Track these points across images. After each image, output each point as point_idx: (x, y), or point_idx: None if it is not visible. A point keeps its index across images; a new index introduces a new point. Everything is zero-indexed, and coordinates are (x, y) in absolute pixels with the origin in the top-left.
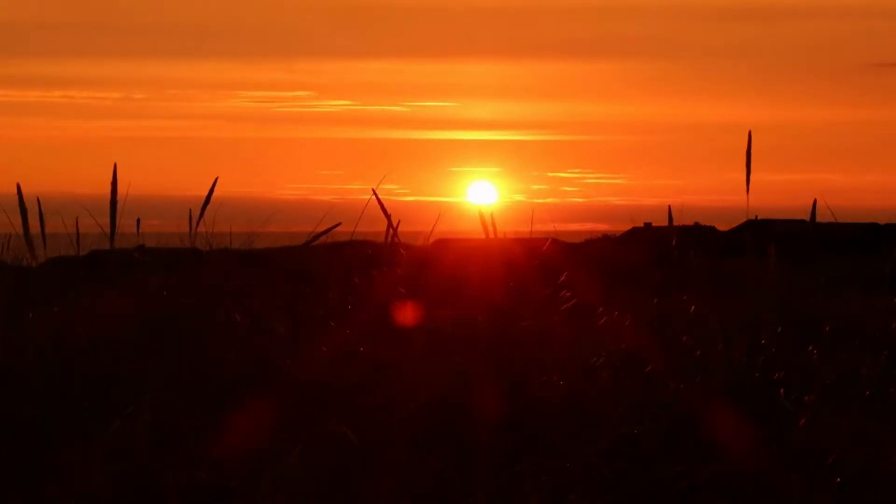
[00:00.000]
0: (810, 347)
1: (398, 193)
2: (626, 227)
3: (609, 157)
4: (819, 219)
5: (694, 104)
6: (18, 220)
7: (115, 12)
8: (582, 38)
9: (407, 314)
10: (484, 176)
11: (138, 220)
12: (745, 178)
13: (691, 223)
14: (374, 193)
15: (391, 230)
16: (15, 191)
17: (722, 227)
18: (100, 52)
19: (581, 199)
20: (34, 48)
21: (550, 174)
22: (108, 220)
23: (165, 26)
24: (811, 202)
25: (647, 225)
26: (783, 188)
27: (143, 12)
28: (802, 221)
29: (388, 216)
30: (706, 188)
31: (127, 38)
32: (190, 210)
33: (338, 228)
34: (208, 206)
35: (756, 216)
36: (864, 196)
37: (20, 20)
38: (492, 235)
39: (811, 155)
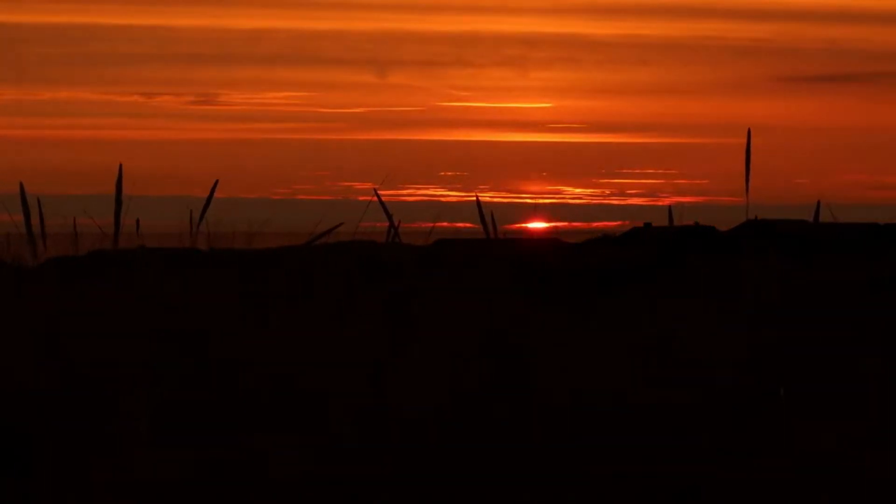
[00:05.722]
0: (811, 348)
1: (400, 193)
2: (627, 226)
3: (610, 158)
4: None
5: (695, 104)
6: (19, 219)
7: (116, 14)
8: (583, 39)
9: (407, 316)
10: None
11: (138, 221)
12: (744, 177)
13: (691, 223)
14: (376, 193)
15: (392, 230)
16: (16, 189)
17: (722, 227)
18: (105, 54)
19: (582, 200)
20: (37, 49)
21: (551, 175)
22: (107, 220)
23: (165, 28)
24: (810, 202)
25: (647, 225)
26: (783, 188)
27: (144, 14)
28: (802, 221)
29: (389, 216)
30: (706, 188)
31: (129, 40)
32: (191, 210)
33: (339, 228)
34: (209, 206)
35: (756, 216)
36: (863, 195)
37: (21, 21)
38: (492, 236)
39: (811, 155)
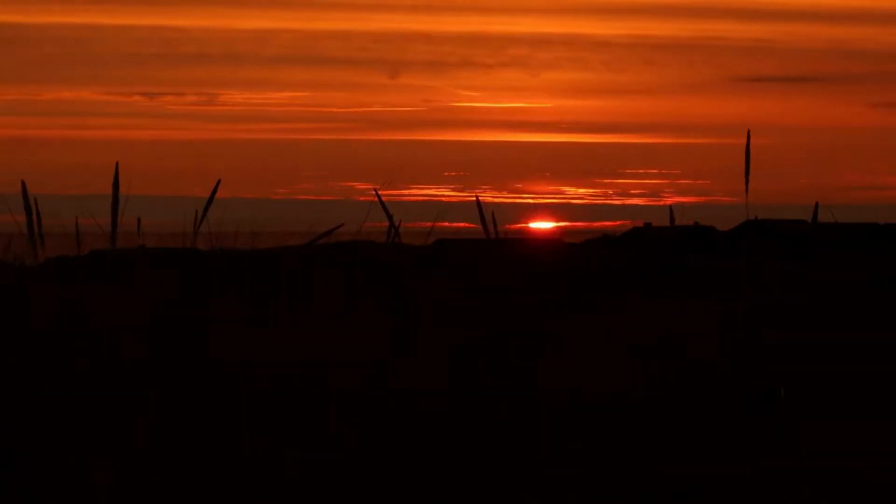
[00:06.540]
0: (810, 348)
1: (401, 193)
2: (627, 226)
3: (613, 158)
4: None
5: (697, 104)
6: (20, 219)
7: (118, 14)
8: (588, 39)
9: (405, 316)
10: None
11: (139, 220)
12: (744, 178)
13: (691, 223)
14: (376, 193)
15: (393, 230)
16: (17, 189)
17: (722, 227)
18: (106, 54)
19: (583, 200)
20: (38, 49)
21: (554, 175)
22: (108, 219)
23: (167, 28)
24: (810, 202)
25: (648, 225)
26: (783, 188)
27: (146, 14)
28: (802, 221)
29: (389, 216)
30: (707, 188)
31: (131, 41)
32: (196, 211)
33: (340, 228)
34: (210, 206)
35: (756, 216)
36: (863, 195)
37: (21, 21)
38: (492, 236)
39: (810, 155)
